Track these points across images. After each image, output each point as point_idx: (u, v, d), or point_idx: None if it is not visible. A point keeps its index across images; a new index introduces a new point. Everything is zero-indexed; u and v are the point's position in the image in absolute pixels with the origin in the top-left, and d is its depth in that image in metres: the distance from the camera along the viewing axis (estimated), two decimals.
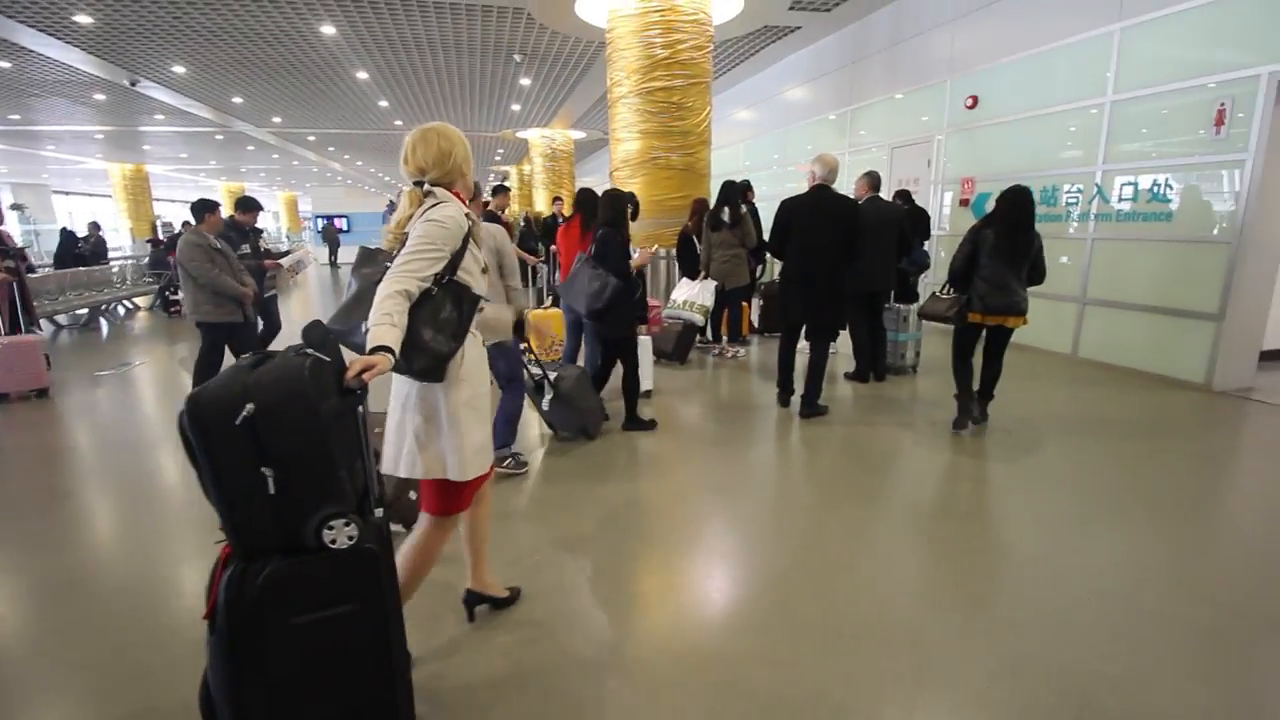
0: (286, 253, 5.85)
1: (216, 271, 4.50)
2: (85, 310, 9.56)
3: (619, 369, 4.23)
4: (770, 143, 11.62)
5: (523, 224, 12.25)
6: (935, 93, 7.51)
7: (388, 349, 1.52)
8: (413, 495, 2.66)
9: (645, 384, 4.99)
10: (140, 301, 11.86)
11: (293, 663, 1.39)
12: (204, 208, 4.65)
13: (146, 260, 12.91)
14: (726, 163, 13.21)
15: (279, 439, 1.33)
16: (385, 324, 1.55)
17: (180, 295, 10.47)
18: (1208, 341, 4.87)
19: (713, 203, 6.35)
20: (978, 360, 4.06)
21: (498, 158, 24.49)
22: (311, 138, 19.08)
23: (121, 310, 11.21)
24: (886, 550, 2.69)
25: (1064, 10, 5.88)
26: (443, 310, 1.71)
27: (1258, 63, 4.44)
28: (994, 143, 6.77)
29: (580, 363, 4.53)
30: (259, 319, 5.12)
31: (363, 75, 11.31)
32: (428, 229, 1.69)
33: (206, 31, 8.83)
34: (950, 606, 2.26)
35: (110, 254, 13.56)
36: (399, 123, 16.26)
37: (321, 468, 1.38)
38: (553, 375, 3.82)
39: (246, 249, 5.01)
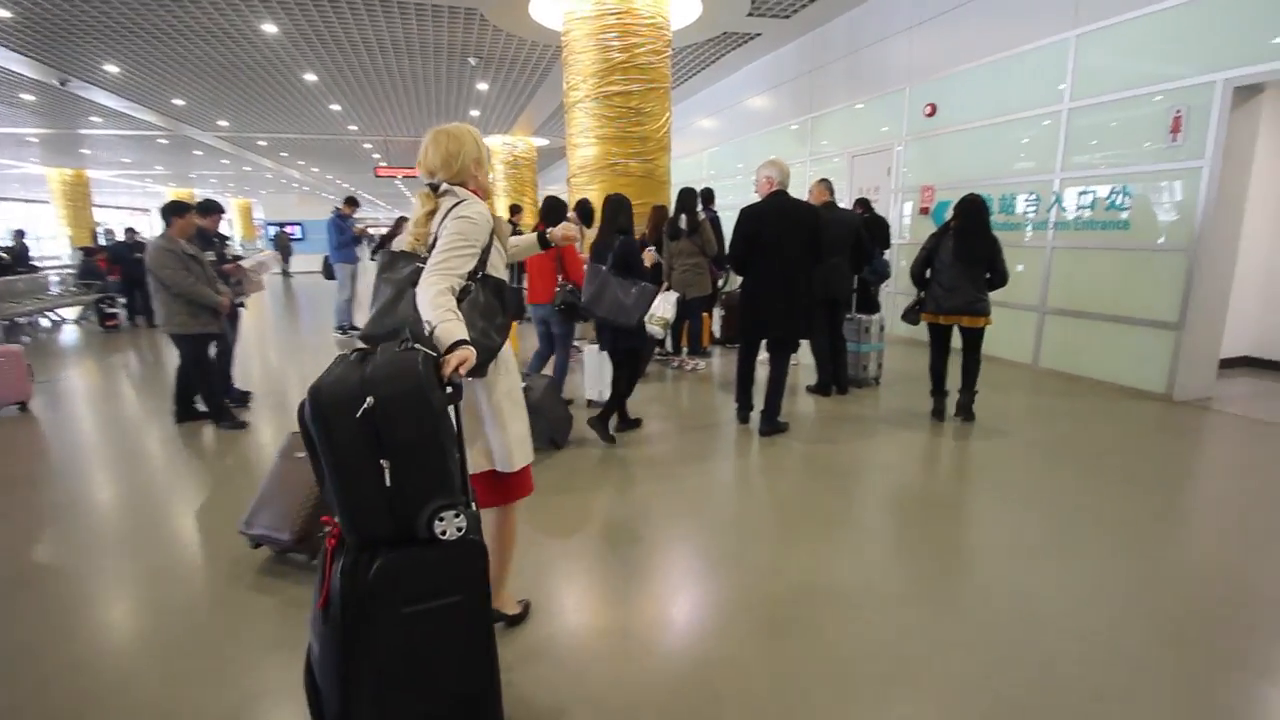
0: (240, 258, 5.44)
1: (192, 279, 4.17)
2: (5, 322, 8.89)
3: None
4: (733, 151, 11.52)
5: None
6: (894, 101, 7.45)
7: (466, 341, 1.56)
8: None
9: (608, 393, 4.79)
10: (68, 313, 11.12)
11: (402, 652, 1.41)
12: (174, 210, 4.30)
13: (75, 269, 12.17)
14: (689, 171, 13.10)
15: (397, 431, 1.36)
16: (451, 319, 1.59)
17: (116, 308, 9.97)
18: (1168, 351, 4.82)
19: (672, 211, 6.14)
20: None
21: None
22: (263, 143, 18.39)
23: (46, 322, 10.49)
24: (848, 584, 2.46)
25: (1019, 17, 5.85)
26: (488, 305, 1.77)
27: (1213, 70, 4.41)
28: (953, 151, 6.72)
29: (548, 371, 4.40)
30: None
31: (311, 77, 10.86)
32: (460, 225, 1.73)
33: (137, 28, 8.32)
34: (924, 651, 2.04)
35: (43, 263, 12.77)
36: (354, 127, 15.76)
37: (435, 460, 1.41)
38: (521, 385, 3.62)
39: (212, 256, 4.64)
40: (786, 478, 3.58)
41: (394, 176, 17.88)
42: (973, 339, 4.20)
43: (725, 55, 10.00)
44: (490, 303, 1.78)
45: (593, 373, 4.91)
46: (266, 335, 9.03)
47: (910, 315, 4.36)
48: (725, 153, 11.83)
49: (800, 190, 5.58)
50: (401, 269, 1.81)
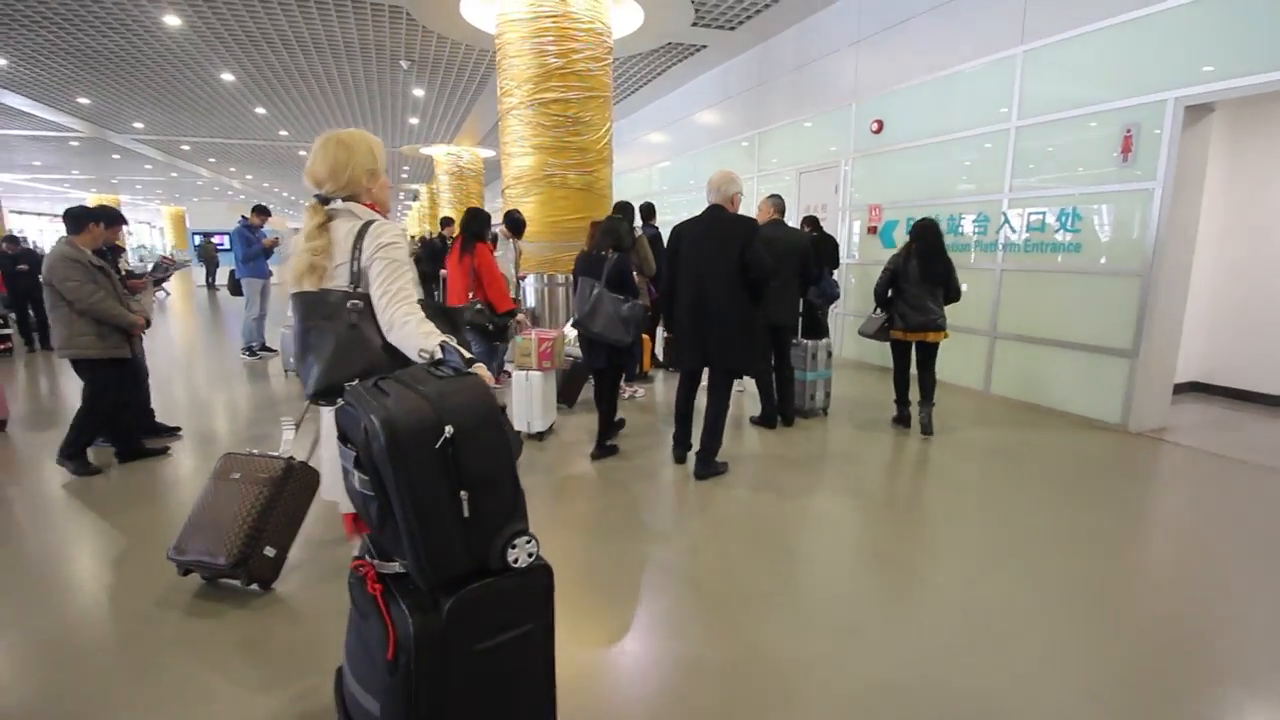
0: (141, 275, 4.70)
1: (101, 295, 3.57)
2: None
3: None
4: (682, 166, 11.22)
5: (417, 247, 11.28)
6: (841, 117, 7.23)
7: (473, 359, 1.54)
8: (268, 552, 2.47)
9: (538, 424, 4.36)
10: None
11: (473, 693, 1.36)
12: (85, 216, 3.70)
13: None
14: (638, 186, 12.77)
15: (476, 459, 1.32)
16: (445, 339, 1.59)
17: (9, 328, 8.87)
18: (1122, 380, 4.60)
19: None
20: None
21: (404, 175, 23.22)
22: (186, 147, 17.26)
23: None
24: (789, 677, 2.01)
25: (965, 33, 5.68)
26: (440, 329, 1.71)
27: (1164, 87, 4.24)
28: (900, 169, 6.50)
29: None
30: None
31: (228, 77, 10.08)
32: (392, 253, 1.70)
33: (20, 15, 7.47)
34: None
35: None
36: (284, 133, 14.90)
37: (511, 486, 1.39)
38: None
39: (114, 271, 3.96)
40: (718, 537, 3.13)
41: None
42: (929, 354, 4.46)
43: (672, 67, 9.71)
44: (441, 325, 1.72)
45: (522, 401, 4.39)
46: (187, 355, 8.17)
47: (881, 333, 4.50)
48: (675, 168, 11.52)
49: (751, 207, 5.29)
50: (334, 313, 1.68)
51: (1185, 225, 4.40)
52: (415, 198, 30.11)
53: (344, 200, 1.77)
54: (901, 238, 6.35)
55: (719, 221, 3.59)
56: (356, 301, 1.68)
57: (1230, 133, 5.28)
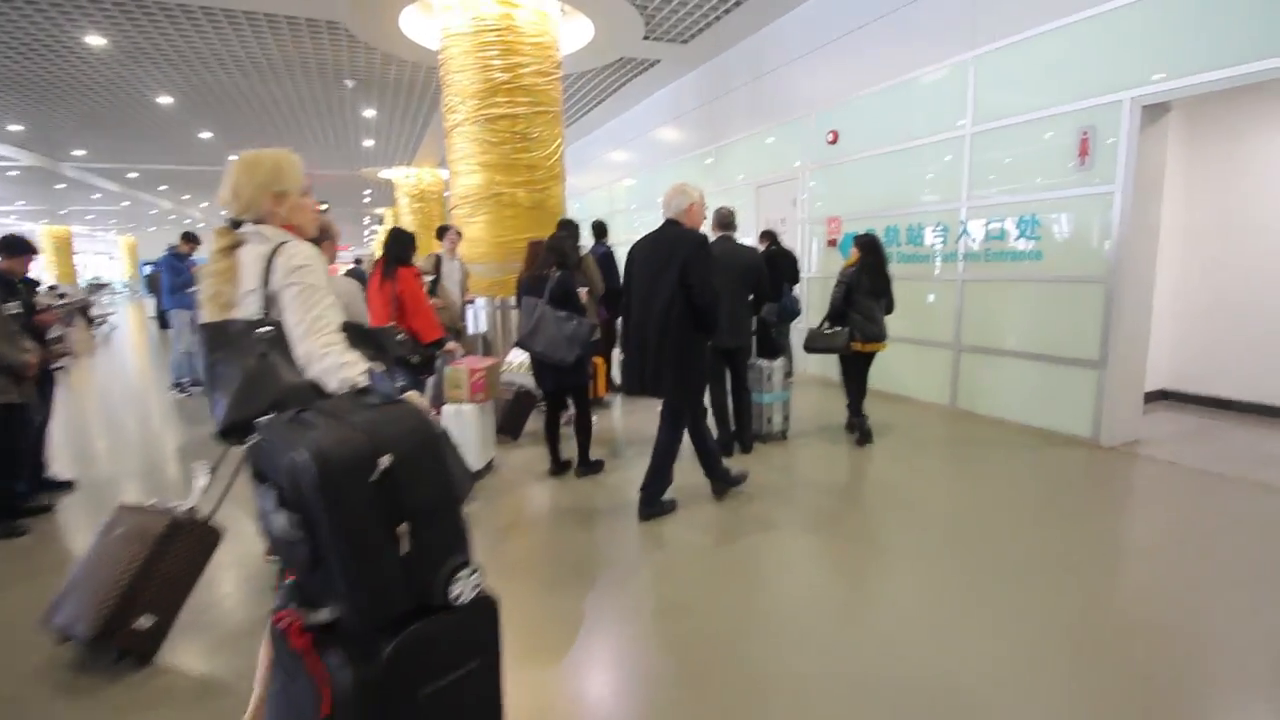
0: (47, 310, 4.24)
1: None
2: None
3: None
4: (643, 183, 11.01)
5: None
6: (797, 129, 7.06)
7: (405, 387, 1.57)
8: (142, 622, 2.20)
9: (474, 462, 4.01)
10: None
11: None
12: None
13: None
14: (600, 204, 12.55)
15: (418, 489, 1.27)
16: (372, 367, 1.53)
17: None
18: (1091, 391, 4.39)
19: None
20: None
21: (366, 199, 22.79)
22: (133, 175, 16.67)
23: None
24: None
25: (916, 40, 5.54)
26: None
27: (1119, 88, 4.09)
28: (858, 179, 6.33)
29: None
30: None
31: (166, 100, 9.66)
32: (304, 277, 1.57)
33: None
34: None
35: None
36: (234, 157, 14.36)
37: (453, 515, 1.35)
38: None
39: (16, 307, 3.53)
40: (661, 584, 2.80)
41: None
42: (868, 364, 4.58)
43: (628, 82, 9.52)
44: (367, 352, 1.61)
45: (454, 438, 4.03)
46: (115, 393, 7.63)
47: (843, 345, 4.47)
48: (637, 185, 11.31)
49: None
50: (241, 343, 1.56)
51: (1147, 229, 4.24)
52: (380, 221, 29.62)
53: (254, 223, 1.65)
54: None
55: (663, 239, 3.31)
56: (266, 329, 1.55)
57: (1186, 134, 5.18)
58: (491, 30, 6.16)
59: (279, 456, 1.23)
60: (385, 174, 16.68)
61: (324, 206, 1.88)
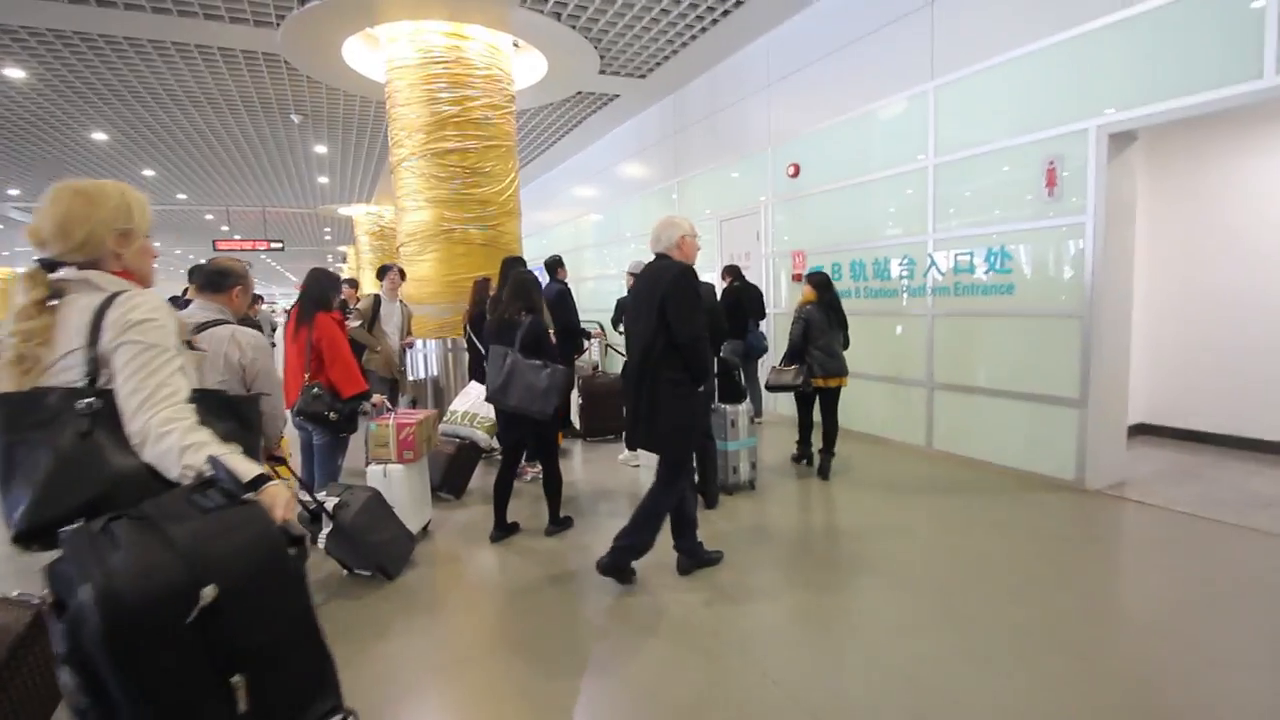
0: None
1: None
2: None
3: None
4: (608, 218, 10.79)
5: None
6: (758, 162, 6.90)
7: (267, 476, 1.24)
8: None
9: (414, 523, 3.58)
10: None
11: None
12: None
13: None
14: (565, 240, 12.31)
15: (255, 628, 1.02)
16: (227, 452, 1.24)
17: None
18: (1072, 431, 4.14)
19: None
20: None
21: (327, 237, 22.28)
22: None
23: None
24: None
25: (874, 71, 5.41)
26: (227, 431, 1.34)
27: (1084, 117, 3.94)
28: (821, 213, 6.14)
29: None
30: None
31: (100, 136, 9.18)
32: (147, 333, 1.28)
33: None
34: None
35: None
36: (182, 196, 13.90)
37: (308, 651, 1.11)
38: (332, 502, 3.08)
39: None
40: (626, 679, 2.38)
41: (237, 250, 15.93)
42: (836, 400, 4.57)
43: (589, 117, 9.36)
44: (223, 426, 1.33)
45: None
46: None
47: (806, 383, 4.42)
48: (601, 220, 11.09)
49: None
50: (54, 418, 1.22)
51: (1121, 260, 4.06)
52: (344, 260, 29.02)
53: (80, 268, 1.33)
54: None
55: (648, 274, 3.00)
56: (91, 400, 1.24)
57: (1148, 162, 5.09)
58: (439, 63, 5.93)
59: (77, 585, 0.96)
60: (344, 211, 16.26)
61: (156, 245, 1.50)
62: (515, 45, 6.70)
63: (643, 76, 7.60)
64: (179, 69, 6.85)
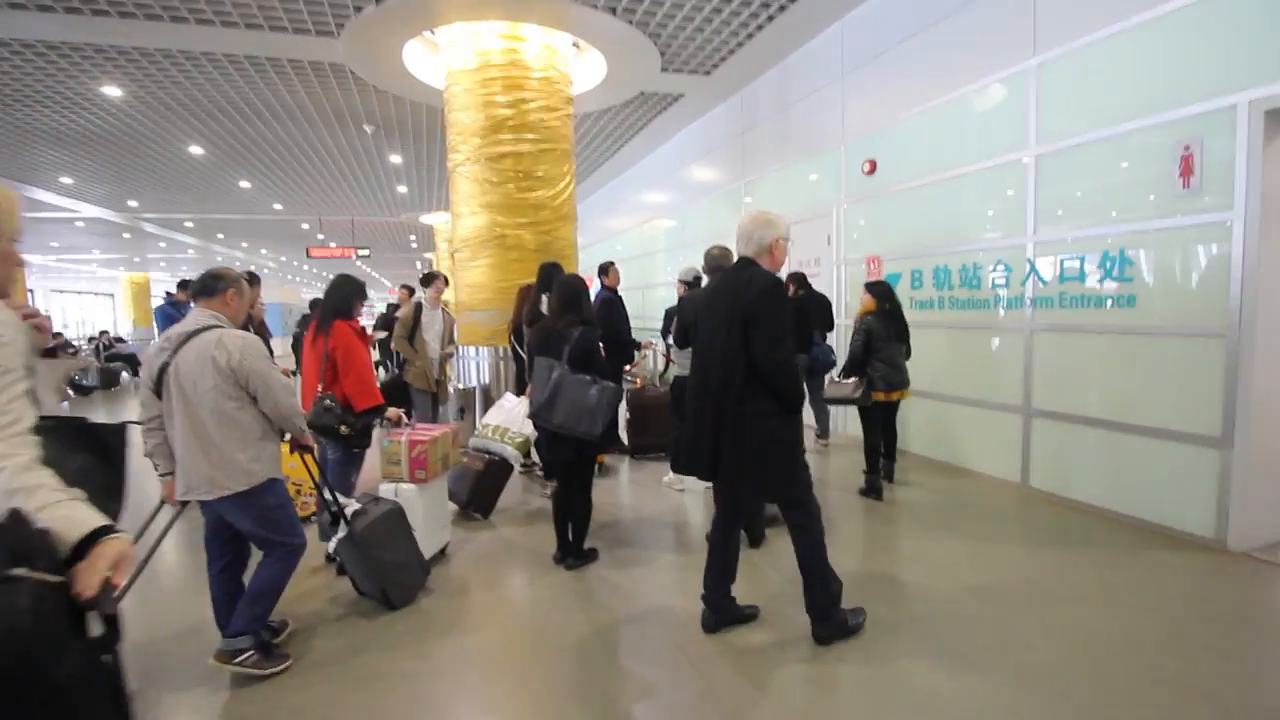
0: None
1: None
2: None
3: None
4: (673, 223, 10.42)
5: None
6: (830, 160, 6.32)
7: (111, 527, 1.07)
8: None
9: (428, 547, 3.31)
10: None
11: None
12: None
13: None
14: (631, 245, 12.07)
15: None
16: (62, 498, 1.07)
17: None
18: (1212, 476, 3.36)
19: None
20: None
21: (413, 244, 23.17)
22: (189, 224, 17.32)
23: None
24: None
25: (962, 52, 4.76)
26: (80, 468, 1.27)
27: (1231, 89, 3.19)
28: (899, 214, 5.50)
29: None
30: None
31: (197, 150, 9.76)
32: None
33: None
34: None
35: None
36: (278, 206, 14.71)
37: None
38: (353, 508, 2.90)
39: None
40: None
41: (327, 257, 16.77)
42: (895, 412, 4.51)
43: (654, 119, 9.04)
44: (78, 460, 1.24)
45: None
46: None
47: (865, 396, 4.28)
48: (667, 225, 10.73)
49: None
50: None
51: (1278, 266, 3.26)
52: (430, 266, 30.23)
53: None
54: (906, 291, 5.29)
55: (728, 284, 2.56)
56: None
57: None
58: (494, 66, 5.79)
59: None
60: (425, 219, 16.76)
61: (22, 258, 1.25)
62: (575, 46, 6.49)
63: (707, 73, 7.19)
64: (255, 83, 7.09)
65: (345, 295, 3.38)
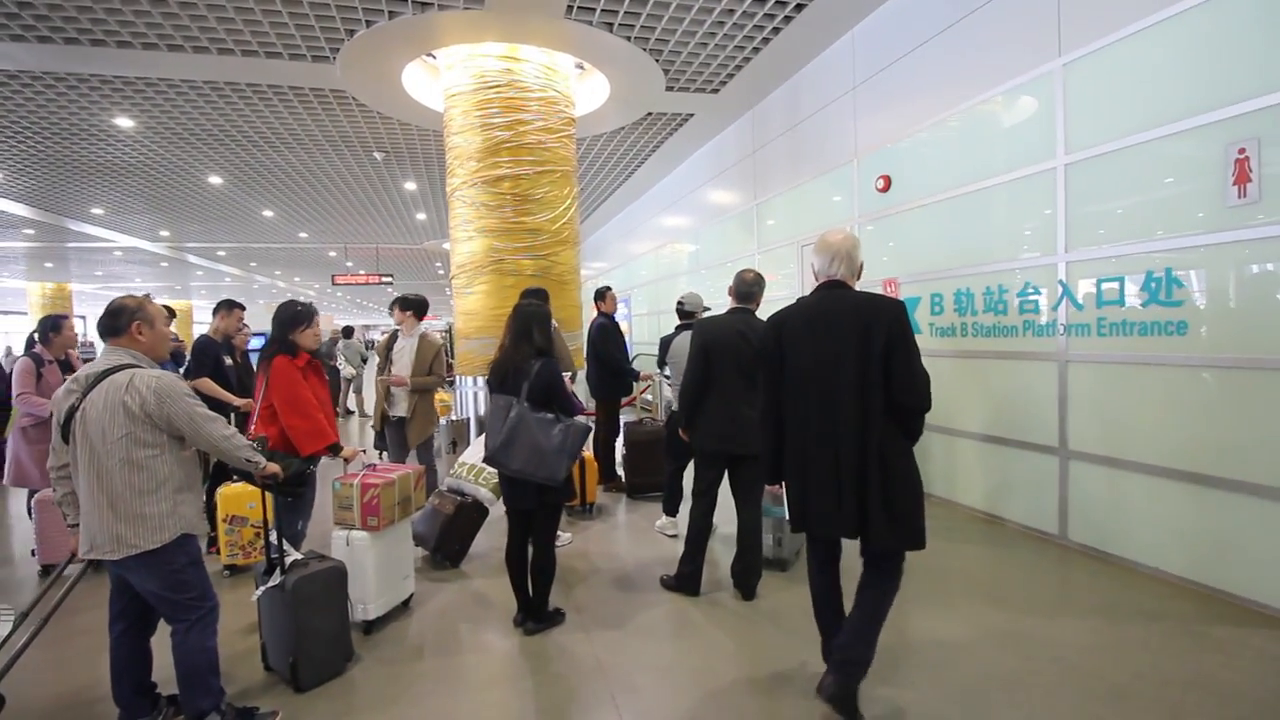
0: None
1: None
2: None
3: None
4: (686, 247, 10.12)
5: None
6: (842, 177, 5.94)
7: None
8: None
9: (372, 608, 3.02)
10: None
11: None
12: None
13: None
14: (647, 268, 11.83)
15: None
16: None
17: None
18: None
19: None
20: None
21: (440, 271, 23.37)
22: (221, 253, 17.73)
23: None
24: None
25: (979, 57, 4.36)
26: None
27: None
28: (916, 233, 5.07)
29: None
30: None
31: (215, 180, 9.88)
32: None
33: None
34: None
35: None
36: (304, 235, 14.92)
37: None
38: (294, 558, 2.66)
39: None
40: None
41: (350, 284, 16.92)
42: None
43: (665, 141, 8.80)
44: None
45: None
46: None
47: None
48: (681, 249, 10.43)
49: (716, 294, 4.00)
50: None
51: None
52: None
53: None
54: (925, 317, 4.86)
55: (840, 310, 2.21)
56: None
57: None
58: (491, 87, 5.61)
59: None
60: (447, 246, 16.82)
61: None
62: (580, 68, 6.31)
63: (715, 91, 6.91)
64: (260, 110, 7.08)
65: (285, 325, 3.09)
